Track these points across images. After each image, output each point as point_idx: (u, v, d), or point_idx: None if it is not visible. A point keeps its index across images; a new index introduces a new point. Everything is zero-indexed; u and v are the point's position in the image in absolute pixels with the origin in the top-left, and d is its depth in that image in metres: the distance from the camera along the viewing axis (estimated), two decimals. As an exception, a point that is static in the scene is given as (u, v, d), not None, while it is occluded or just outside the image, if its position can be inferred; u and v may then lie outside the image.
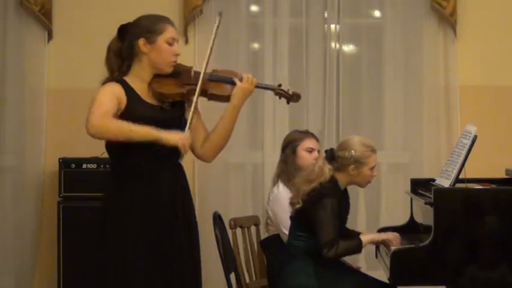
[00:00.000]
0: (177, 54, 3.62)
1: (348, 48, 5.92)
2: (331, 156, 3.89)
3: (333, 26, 5.81)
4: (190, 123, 3.57)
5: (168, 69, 3.61)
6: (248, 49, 5.86)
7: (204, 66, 3.64)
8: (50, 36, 5.73)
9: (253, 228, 4.73)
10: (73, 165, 5.41)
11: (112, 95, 3.48)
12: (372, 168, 3.90)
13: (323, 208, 3.75)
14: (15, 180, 5.72)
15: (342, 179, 3.89)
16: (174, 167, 3.62)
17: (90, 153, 5.43)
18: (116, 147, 3.55)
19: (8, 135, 5.72)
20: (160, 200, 3.53)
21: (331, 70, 5.78)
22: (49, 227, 5.58)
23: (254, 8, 5.89)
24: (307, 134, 4.65)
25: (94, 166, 5.39)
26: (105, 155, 5.29)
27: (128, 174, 3.54)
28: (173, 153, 3.56)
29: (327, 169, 3.86)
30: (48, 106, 5.74)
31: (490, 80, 5.79)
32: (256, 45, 5.91)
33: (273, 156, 5.40)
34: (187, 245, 3.58)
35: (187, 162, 5.46)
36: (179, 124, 3.61)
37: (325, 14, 5.82)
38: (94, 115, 3.38)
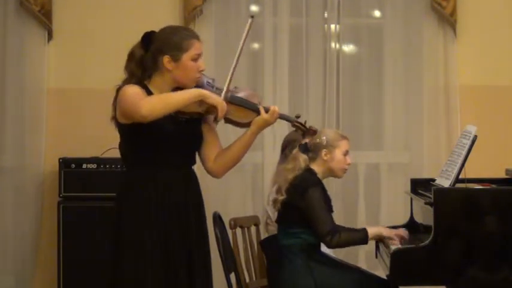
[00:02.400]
0: (202, 70, 3.56)
1: (348, 48, 5.92)
2: (304, 147, 3.98)
3: (333, 26, 5.81)
4: (225, 95, 3.53)
5: (191, 86, 3.55)
6: (248, 49, 5.86)
7: (226, 83, 3.57)
8: (50, 36, 5.72)
9: (253, 228, 4.73)
10: (73, 165, 5.40)
11: (141, 91, 3.47)
12: (345, 154, 3.97)
13: (310, 199, 3.81)
14: (15, 180, 5.71)
15: (318, 168, 3.96)
16: (186, 175, 3.62)
17: (90, 153, 5.43)
18: (128, 152, 3.56)
19: (8, 135, 5.71)
20: (172, 207, 3.53)
21: (331, 70, 5.78)
22: (49, 227, 5.57)
23: (254, 7, 5.89)
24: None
25: (94, 166, 5.38)
26: (105, 155, 5.35)
27: (139, 181, 3.52)
28: (186, 160, 3.59)
29: (302, 158, 3.95)
30: (48, 106, 5.74)
31: (490, 80, 5.79)
32: (256, 45, 5.91)
33: (273, 156, 5.40)
34: (200, 251, 3.59)
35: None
36: (196, 138, 3.62)
37: (325, 14, 5.82)
38: (138, 101, 3.35)
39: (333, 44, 5.82)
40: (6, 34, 5.70)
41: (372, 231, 3.89)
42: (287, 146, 4.58)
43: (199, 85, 3.57)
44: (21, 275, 5.68)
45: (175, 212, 3.53)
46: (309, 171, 3.95)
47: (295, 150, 4.04)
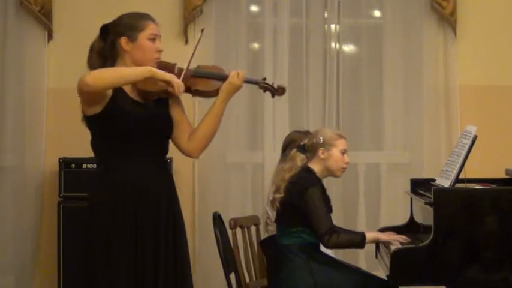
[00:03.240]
0: (160, 51, 3.60)
1: (348, 48, 5.92)
2: (302, 148, 4.01)
3: (333, 26, 5.82)
4: (185, 72, 3.58)
5: (152, 66, 3.57)
6: (248, 49, 5.86)
7: (188, 61, 3.64)
8: (50, 36, 5.72)
9: (253, 228, 4.73)
10: (73, 165, 5.40)
11: None
12: (343, 153, 3.97)
13: (311, 198, 3.82)
14: (15, 180, 5.71)
15: (316, 167, 3.97)
16: (157, 164, 3.60)
17: (90, 153, 5.37)
18: (99, 144, 3.57)
19: (8, 135, 5.71)
20: (144, 198, 3.51)
21: (331, 70, 5.78)
22: (49, 227, 5.57)
23: (254, 8, 5.89)
24: (307, 134, 4.65)
25: (94, 166, 5.33)
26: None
27: (113, 174, 3.53)
28: (157, 149, 3.58)
29: (299, 158, 3.97)
30: (48, 106, 5.74)
31: (490, 80, 5.79)
32: (256, 45, 5.91)
33: (273, 156, 5.40)
34: (172, 243, 3.55)
35: (188, 162, 5.50)
36: (165, 121, 3.61)
37: (325, 14, 5.82)
38: (85, 74, 3.39)
39: (333, 44, 5.82)
40: (6, 34, 5.70)
41: (369, 235, 3.90)
42: (287, 146, 4.59)
43: (161, 67, 3.60)
44: (21, 275, 5.68)
45: (145, 207, 3.51)
46: (307, 170, 3.95)
47: (293, 151, 4.04)
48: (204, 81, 3.68)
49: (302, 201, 3.83)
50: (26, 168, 5.68)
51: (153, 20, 3.62)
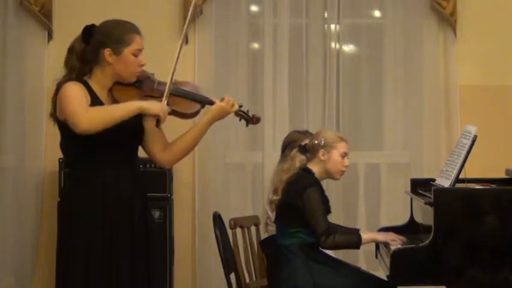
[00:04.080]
0: (142, 65, 3.55)
1: (348, 48, 5.92)
2: (303, 148, 4.01)
3: (333, 26, 5.81)
4: (167, 95, 3.53)
5: (132, 79, 3.55)
6: (248, 49, 5.86)
7: (169, 79, 3.56)
8: (50, 36, 5.72)
9: (253, 228, 4.73)
10: (73, 165, 5.39)
11: (82, 93, 3.44)
12: (343, 156, 3.96)
13: (308, 199, 3.82)
14: (15, 180, 5.71)
15: (315, 168, 3.97)
16: (131, 172, 3.57)
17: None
18: (72, 152, 3.52)
19: (8, 135, 5.71)
20: (117, 207, 3.48)
21: (331, 70, 5.78)
22: (49, 227, 5.57)
23: (254, 8, 5.89)
24: (307, 134, 4.65)
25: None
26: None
27: (83, 181, 3.49)
28: (131, 156, 3.56)
29: (298, 159, 3.98)
30: (48, 106, 5.69)
31: (490, 80, 5.79)
32: (256, 45, 5.91)
33: (273, 156, 5.40)
34: (142, 254, 3.53)
35: (188, 162, 5.50)
36: (135, 133, 3.57)
37: (325, 14, 5.82)
38: (79, 113, 3.34)
39: (333, 44, 5.82)
40: (6, 34, 5.70)
41: (366, 236, 3.90)
42: (287, 147, 4.59)
43: (140, 79, 3.57)
44: (21, 275, 5.68)
45: (119, 214, 3.47)
46: (306, 171, 3.95)
47: (294, 151, 4.04)
48: (184, 102, 3.61)
49: (300, 201, 3.83)
50: (26, 168, 5.68)
51: (139, 33, 3.55)
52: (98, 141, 3.42)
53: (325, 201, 3.91)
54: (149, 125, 3.59)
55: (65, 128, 3.46)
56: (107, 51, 3.48)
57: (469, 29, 5.77)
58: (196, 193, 5.65)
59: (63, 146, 3.56)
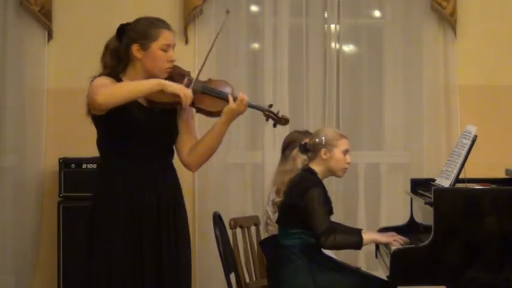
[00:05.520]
0: (172, 61, 3.58)
1: (348, 48, 5.92)
2: (304, 148, 3.98)
3: (333, 26, 5.82)
4: (194, 85, 3.55)
5: (162, 76, 3.56)
6: (248, 49, 5.86)
7: (197, 75, 3.61)
8: (50, 36, 5.72)
9: (253, 228, 4.73)
10: (73, 165, 5.40)
11: (108, 81, 3.49)
12: (345, 153, 3.96)
13: (311, 199, 3.80)
14: (15, 180, 5.71)
15: (318, 168, 3.95)
16: (160, 168, 3.59)
17: (90, 153, 5.39)
18: (106, 145, 3.56)
19: (8, 135, 5.71)
20: (144, 200, 3.51)
21: (331, 70, 5.78)
22: (49, 227, 5.57)
23: (254, 8, 5.89)
24: (307, 134, 4.65)
25: (94, 166, 5.37)
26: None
27: (114, 174, 3.52)
28: (160, 152, 3.58)
29: (300, 159, 3.97)
30: (48, 106, 5.74)
31: (490, 80, 5.79)
32: (256, 45, 5.91)
33: (273, 156, 5.40)
34: (172, 248, 3.55)
35: (187, 162, 5.50)
36: (171, 128, 3.61)
37: (325, 14, 5.82)
38: (97, 89, 3.38)
39: (333, 44, 5.82)
40: (6, 34, 5.70)
41: (366, 237, 3.89)
42: (287, 147, 4.59)
43: (171, 76, 3.59)
44: (21, 275, 5.68)
45: (146, 208, 3.50)
46: (308, 171, 3.95)
47: (295, 151, 4.04)
48: (211, 100, 3.64)
49: (302, 202, 3.83)
50: (26, 168, 5.68)
51: (168, 29, 3.59)
52: (127, 137, 3.48)
53: (327, 201, 3.91)
54: (182, 123, 3.64)
55: (99, 122, 3.52)
56: (135, 47, 3.53)
57: (469, 29, 5.77)
58: (196, 193, 5.65)
59: (97, 141, 3.61)
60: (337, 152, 3.96)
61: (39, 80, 5.71)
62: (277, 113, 3.75)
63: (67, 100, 5.72)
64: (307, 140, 4.07)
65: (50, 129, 5.74)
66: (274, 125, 3.79)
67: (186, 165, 3.73)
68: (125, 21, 3.68)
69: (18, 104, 5.71)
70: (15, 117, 5.71)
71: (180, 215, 3.63)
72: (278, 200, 3.96)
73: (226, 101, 3.62)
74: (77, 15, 5.75)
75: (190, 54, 5.61)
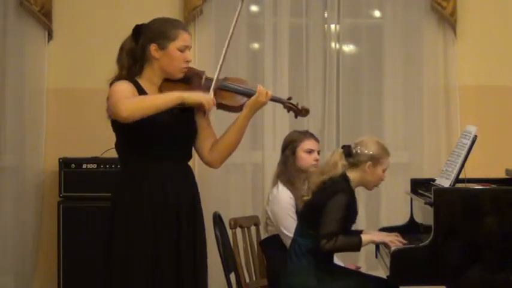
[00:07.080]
0: (188, 61, 3.61)
1: (348, 48, 5.92)
2: (348, 152, 3.94)
3: (333, 26, 5.81)
4: (215, 84, 3.57)
5: (179, 75, 3.59)
6: (248, 49, 5.86)
7: (216, 73, 3.63)
8: (50, 36, 5.72)
9: (253, 228, 4.73)
10: (73, 165, 5.40)
11: (128, 88, 3.49)
12: (384, 171, 3.95)
13: (334, 201, 3.78)
14: (15, 180, 5.71)
15: (354, 177, 3.93)
16: (181, 169, 3.61)
17: (90, 153, 5.43)
18: (124, 147, 3.56)
19: (8, 135, 5.71)
20: (166, 201, 3.51)
21: (331, 70, 5.78)
22: (49, 227, 5.57)
23: (254, 8, 5.89)
24: (307, 134, 4.65)
25: (94, 166, 5.38)
26: (105, 155, 5.35)
27: (135, 175, 3.52)
28: (181, 154, 3.59)
29: (341, 164, 3.93)
30: (48, 106, 5.74)
31: (490, 80, 5.79)
32: (256, 45, 5.91)
33: (273, 156, 5.40)
34: (191, 248, 3.55)
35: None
36: (189, 126, 3.62)
37: (325, 14, 5.82)
38: (120, 101, 3.38)
39: (333, 44, 5.82)
40: (6, 34, 5.70)
41: (365, 238, 3.88)
42: (287, 147, 4.59)
43: (188, 76, 3.62)
44: (21, 275, 5.68)
45: (167, 209, 3.50)
46: (343, 177, 3.92)
47: (337, 153, 3.98)
48: (231, 96, 3.66)
49: (324, 201, 3.81)
50: (26, 168, 5.68)
51: (185, 30, 3.62)
52: (149, 139, 3.49)
53: (351, 210, 3.87)
54: (200, 121, 3.64)
55: (116, 126, 3.52)
56: (152, 47, 3.54)
57: (469, 29, 5.77)
58: (196, 193, 5.65)
59: (116, 145, 3.60)
60: (380, 169, 3.93)
61: (39, 80, 5.71)
62: (297, 104, 3.76)
63: (67, 100, 5.73)
64: (353, 146, 3.99)
65: (50, 129, 5.73)
66: (296, 116, 3.80)
67: (208, 163, 3.74)
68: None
69: (18, 104, 5.70)
70: (15, 117, 5.70)
71: (198, 216, 3.64)
72: (306, 198, 3.94)
73: (246, 95, 3.65)
74: (77, 15, 5.75)
75: (190, 54, 5.59)
